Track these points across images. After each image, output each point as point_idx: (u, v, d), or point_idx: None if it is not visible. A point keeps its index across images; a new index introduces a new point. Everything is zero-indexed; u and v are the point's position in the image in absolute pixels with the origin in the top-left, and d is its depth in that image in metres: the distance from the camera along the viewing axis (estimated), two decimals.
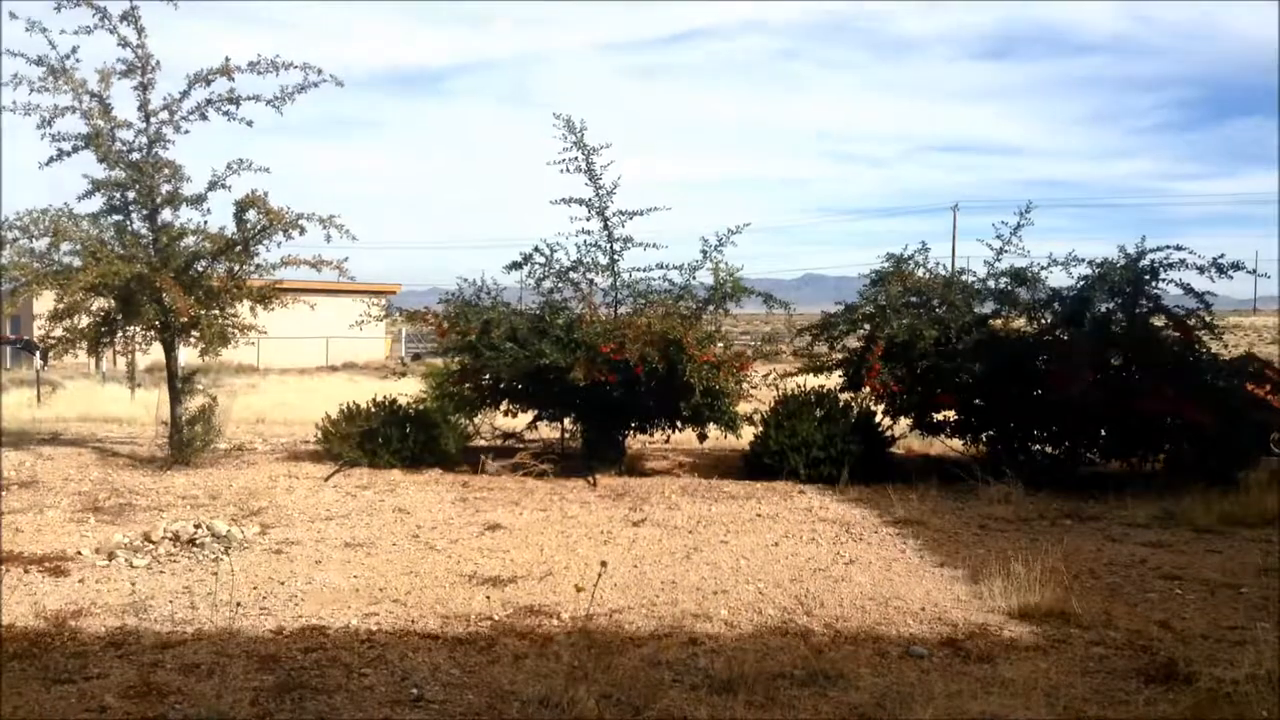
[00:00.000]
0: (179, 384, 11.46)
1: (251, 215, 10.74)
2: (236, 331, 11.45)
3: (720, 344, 10.80)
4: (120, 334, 11.34)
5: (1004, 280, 10.97)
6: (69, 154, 10.64)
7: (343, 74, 10.86)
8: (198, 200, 10.98)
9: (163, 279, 10.31)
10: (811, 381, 11.46)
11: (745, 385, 10.80)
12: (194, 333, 11.16)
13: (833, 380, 11.51)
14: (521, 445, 11.79)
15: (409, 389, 12.60)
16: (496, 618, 5.53)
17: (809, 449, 10.24)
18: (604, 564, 6.17)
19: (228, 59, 10.57)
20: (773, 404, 10.88)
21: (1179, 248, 10.06)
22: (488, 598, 5.93)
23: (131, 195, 10.88)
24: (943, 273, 11.58)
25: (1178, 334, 10.36)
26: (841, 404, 10.82)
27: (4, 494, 9.20)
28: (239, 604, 5.72)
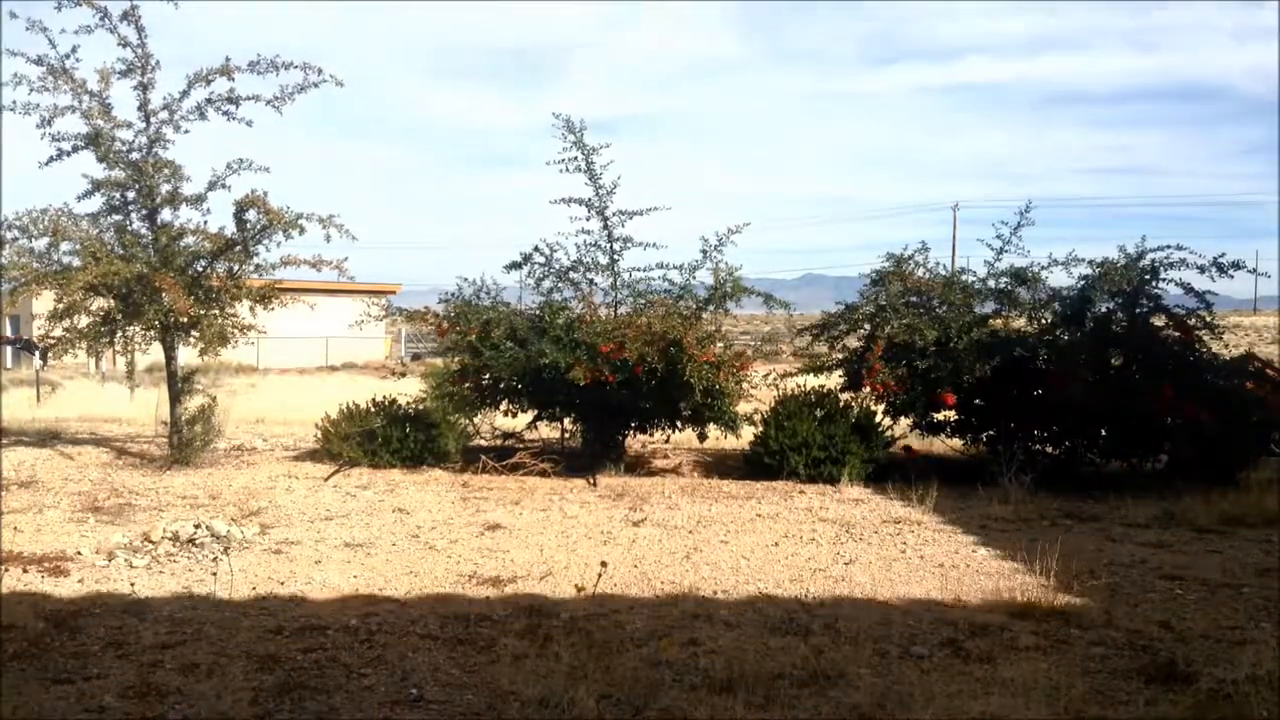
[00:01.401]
0: (179, 384, 11.46)
1: (251, 215, 10.74)
2: (236, 331, 11.44)
3: (720, 344, 10.79)
4: (120, 334, 11.32)
5: (1004, 280, 10.96)
6: (69, 154, 10.65)
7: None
8: (197, 200, 10.99)
9: (162, 279, 10.30)
10: (811, 381, 11.45)
11: (745, 385, 10.77)
12: (194, 333, 11.14)
13: (833, 380, 11.50)
14: (521, 445, 11.78)
15: (409, 389, 12.59)
16: (496, 618, 5.52)
17: (809, 449, 10.23)
18: (604, 564, 6.17)
19: (227, 59, 10.60)
20: (773, 404, 10.87)
21: (1179, 247, 10.07)
22: (488, 598, 5.93)
23: (131, 195, 10.88)
24: (943, 272, 11.58)
25: (1178, 334, 10.35)
26: (841, 404, 10.80)
27: (4, 494, 9.20)
28: (239, 604, 5.71)
